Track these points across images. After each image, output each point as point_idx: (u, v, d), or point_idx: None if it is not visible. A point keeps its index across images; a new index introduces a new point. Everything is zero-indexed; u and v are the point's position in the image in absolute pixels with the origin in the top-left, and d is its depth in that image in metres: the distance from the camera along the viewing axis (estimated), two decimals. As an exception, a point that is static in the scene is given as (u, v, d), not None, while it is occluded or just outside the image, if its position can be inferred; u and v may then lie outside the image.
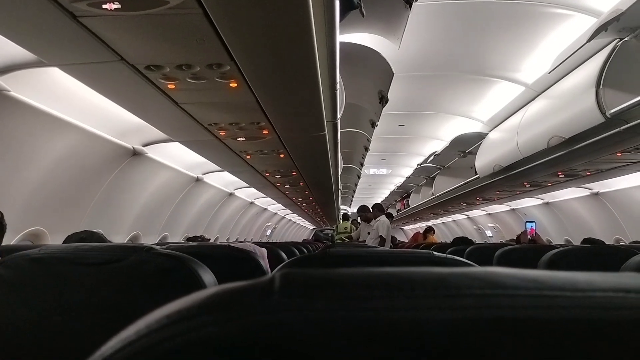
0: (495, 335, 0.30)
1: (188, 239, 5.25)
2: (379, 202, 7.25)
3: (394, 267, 0.97)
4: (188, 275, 1.17)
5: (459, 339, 0.30)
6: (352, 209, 16.99)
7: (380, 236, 6.17)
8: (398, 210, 14.15)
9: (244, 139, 3.42)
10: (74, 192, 3.70)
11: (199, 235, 5.01)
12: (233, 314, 0.31)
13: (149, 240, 5.27)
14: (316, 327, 0.30)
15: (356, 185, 12.22)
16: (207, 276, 1.20)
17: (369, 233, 6.60)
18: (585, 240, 4.36)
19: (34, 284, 1.20)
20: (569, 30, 3.61)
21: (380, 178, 13.48)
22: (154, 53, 1.91)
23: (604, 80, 3.11)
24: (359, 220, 7.67)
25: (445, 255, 1.19)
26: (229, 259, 1.93)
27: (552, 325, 0.30)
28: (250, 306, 0.31)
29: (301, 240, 15.53)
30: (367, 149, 7.77)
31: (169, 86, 2.26)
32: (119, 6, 1.47)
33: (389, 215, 8.03)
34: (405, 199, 13.59)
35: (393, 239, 8.08)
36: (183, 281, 1.16)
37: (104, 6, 1.48)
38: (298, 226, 18.50)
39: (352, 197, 15.12)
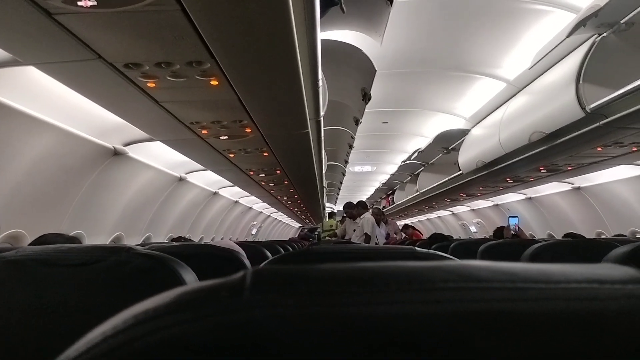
0: (470, 328, 0.29)
1: (172, 240, 5.21)
2: (363, 199, 7.29)
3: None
4: (169, 275, 1.15)
5: (433, 334, 0.29)
6: (338, 207, 17.03)
7: (365, 233, 6.23)
8: (383, 207, 14.20)
9: (226, 137, 3.39)
10: (54, 194, 3.64)
11: (183, 236, 4.97)
12: (202, 313, 0.30)
13: (133, 241, 5.22)
14: (288, 324, 0.29)
15: (341, 182, 12.24)
16: (189, 276, 1.19)
17: (354, 230, 6.63)
18: (566, 235, 4.43)
19: (12, 287, 1.18)
20: (549, 26, 3.65)
21: (365, 175, 13.51)
22: (132, 51, 1.88)
23: (584, 75, 3.15)
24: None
25: (427, 250, 1.19)
26: (212, 258, 1.92)
27: (526, 318, 0.30)
28: (220, 304, 0.31)
29: (287, 239, 15.52)
30: (351, 147, 7.79)
31: (148, 84, 2.23)
32: (95, 3, 1.45)
33: (381, 212, 8.08)
34: (391, 196, 13.65)
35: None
36: (164, 281, 1.15)
37: (79, 3, 1.45)
38: (284, 224, 18.48)
39: (338, 194, 15.14)
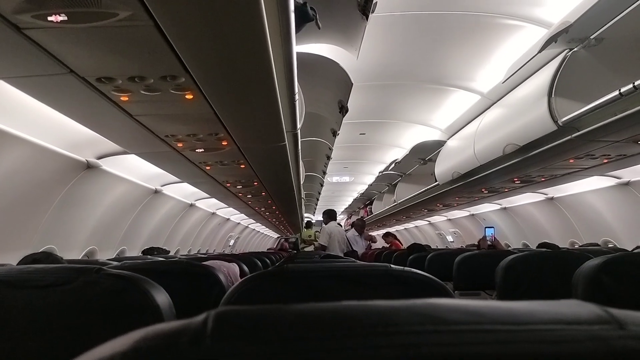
0: (436, 373, 0.29)
1: (145, 251, 5.13)
2: (333, 208, 7.36)
3: (351, 282, 0.96)
4: (140, 296, 1.12)
5: (399, 379, 0.29)
6: (316, 217, 17.03)
7: (321, 244, 6.42)
8: (362, 217, 14.25)
9: (202, 150, 3.36)
10: (24, 209, 3.55)
11: (155, 247, 4.89)
12: (160, 363, 0.29)
13: (106, 255, 5.12)
14: (250, 374, 0.29)
15: (319, 193, 12.26)
16: (161, 296, 1.16)
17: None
18: (540, 245, 4.49)
19: (-25, 310, 1.14)
20: (521, 41, 3.71)
21: (344, 186, 13.55)
22: (105, 65, 1.85)
23: (556, 89, 3.21)
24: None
25: (402, 268, 1.19)
26: (186, 275, 1.89)
27: (494, 362, 0.29)
28: (179, 353, 0.30)
29: (266, 249, 15.44)
30: (329, 158, 7.82)
31: (122, 98, 2.20)
32: (66, 18, 1.42)
33: (364, 223, 8.12)
34: (369, 206, 13.70)
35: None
36: (135, 303, 1.12)
37: (49, 18, 1.42)
38: (262, 235, 18.37)
39: (316, 205, 15.15)
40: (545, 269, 2.25)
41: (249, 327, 0.31)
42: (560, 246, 4.51)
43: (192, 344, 0.30)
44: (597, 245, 5.29)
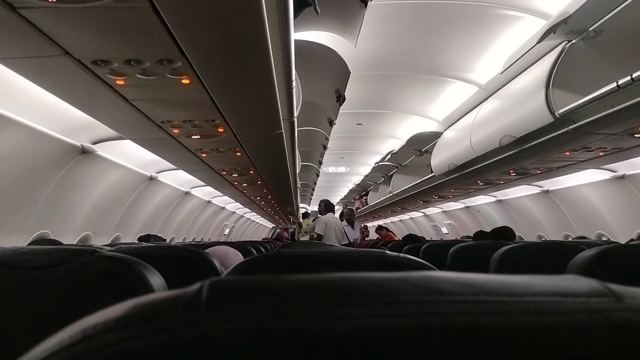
0: (432, 342, 0.29)
1: (140, 238, 5.13)
2: (328, 199, 7.41)
3: (346, 267, 0.96)
4: (135, 278, 1.12)
5: (395, 347, 0.28)
6: (312, 207, 17.05)
7: (317, 234, 6.49)
8: (357, 208, 14.26)
9: (198, 136, 3.35)
10: (18, 193, 3.53)
11: (152, 234, 4.88)
12: (154, 328, 0.29)
13: (101, 241, 5.12)
14: (245, 339, 0.28)
15: (315, 183, 12.25)
16: (156, 279, 1.16)
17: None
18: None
19: (-31, 290, 1.14)
20: (520, 32, 3.71)
21: (339, 176, 13.55)
22: (101, 47, 1.83)
23: (553, 81, 3.21)
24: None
25: (397, 254, 1.19)
26: (181, 260, 1.88)
27: (488, 331, 0.29)
28: (173, 319, 0.29)
29: (261, 239, 15.46)
30: (325, 147, 7.80)
31: (117, 82, 2.18)
32: (61, -3, 1.41)
33: (352, 213, 8.16)
34: (364, 197, 13.71)
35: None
36: (129, 285, 1.12)
37: (44, -3, 1.41)
38: (257, 225, 18.39)
39: (312, 195, 15.15)
40: (540, 260, 2.25)
41: (244, 295, 0.31)
42: (554, 239, 4.50)
43: (187, 310, 0.30)
44: (589, 239, 5.31)
